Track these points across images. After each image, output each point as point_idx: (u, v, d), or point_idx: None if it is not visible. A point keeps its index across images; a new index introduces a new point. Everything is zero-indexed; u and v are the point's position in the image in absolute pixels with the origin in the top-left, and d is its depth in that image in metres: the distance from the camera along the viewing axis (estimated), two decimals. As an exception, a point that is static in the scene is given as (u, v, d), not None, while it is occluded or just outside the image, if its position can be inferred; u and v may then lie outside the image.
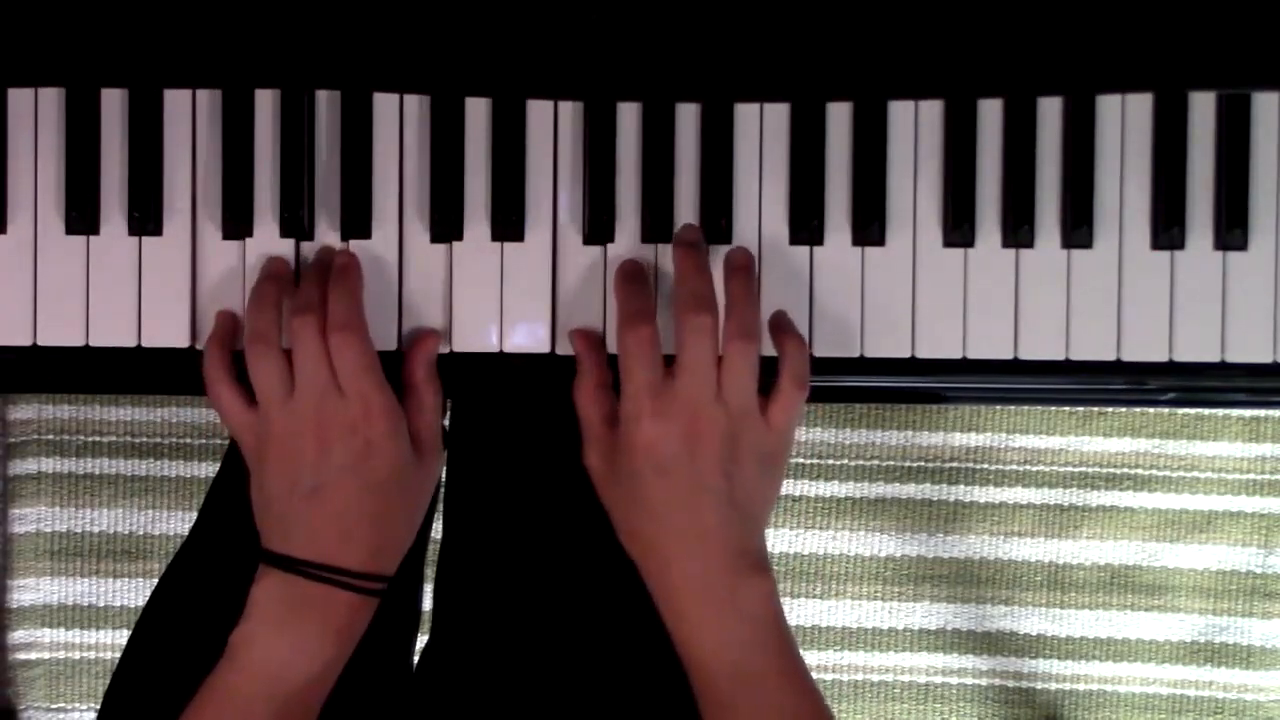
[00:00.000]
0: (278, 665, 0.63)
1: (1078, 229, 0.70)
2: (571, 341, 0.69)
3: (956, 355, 0.71)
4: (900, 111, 0.71)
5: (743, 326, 0.65)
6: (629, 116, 0.70)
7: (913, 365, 0.71)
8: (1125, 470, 1.37)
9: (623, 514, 0.67)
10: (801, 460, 1.36)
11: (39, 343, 0.70)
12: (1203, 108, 0.70)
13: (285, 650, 0.63)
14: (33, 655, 1.37)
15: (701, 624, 0.64)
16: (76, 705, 1.38)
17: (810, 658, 1.13)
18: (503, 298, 0.70)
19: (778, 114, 0.70)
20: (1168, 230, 0.70)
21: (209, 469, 1.35)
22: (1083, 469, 1.37)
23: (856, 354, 0.71)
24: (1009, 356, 0.71)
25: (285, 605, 0.64)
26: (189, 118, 0.70)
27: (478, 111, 0.70)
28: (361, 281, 0.68)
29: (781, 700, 0.63)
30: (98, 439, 1.35)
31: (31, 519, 1.35)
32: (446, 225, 0.70)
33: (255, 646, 0.63)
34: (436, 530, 0.85)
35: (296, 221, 0.69)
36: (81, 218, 0.69)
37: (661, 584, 0.65)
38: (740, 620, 0.64)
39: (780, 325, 0.68)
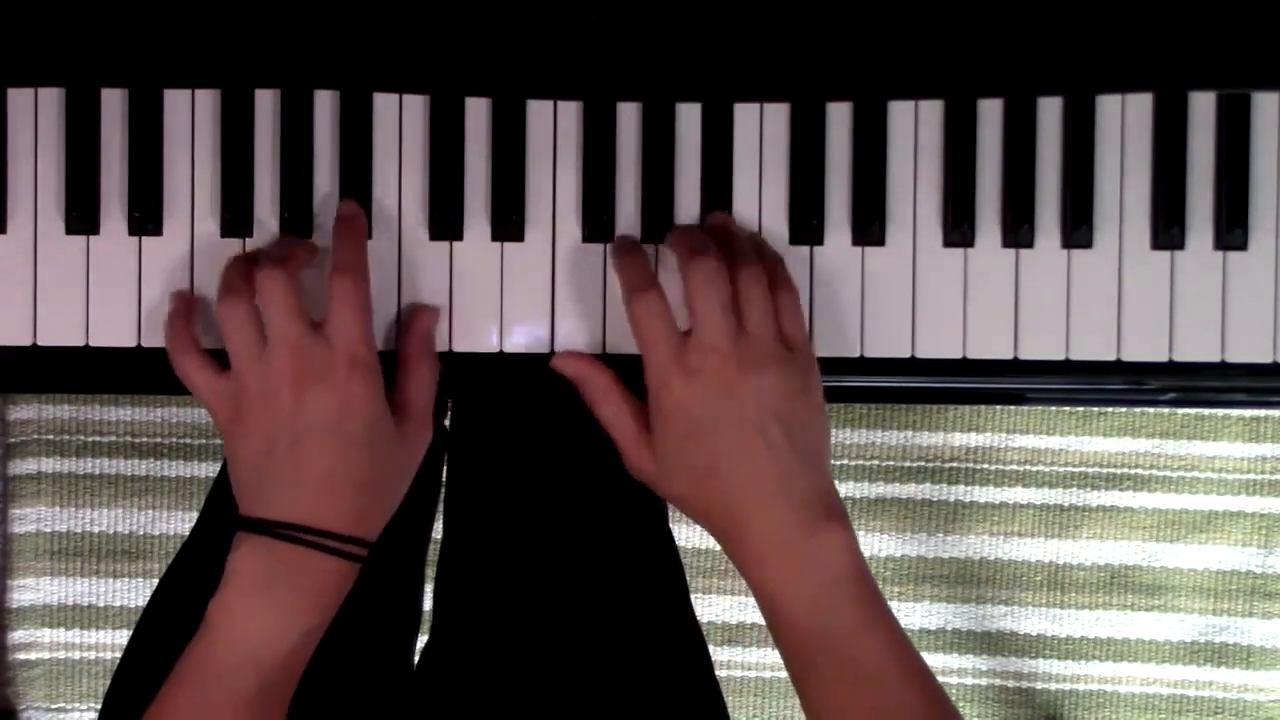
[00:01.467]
0: (257, 634, 0.62)
1: (1078, 229, 0.70)
2: (561, 369, 0.69)
3: (956, 355, 0.71)
4: (900, 111, 0.71)
5: (743, 256, 0.65)
6: (629, 116, 0.70)
7: (913, 365, 0.71)
8: (1125, 470, 1.37)
9: (685, 494, 0.65)
10: (801, 460, 1.36)
11: (39, 343, 0.70)
12: (1203, 108, 0.70)
13: (265, 619, 0.62)
14: (33, 655, 1.37)
15: (781, 580, 0.63)
16: (76, 705, 1.38)
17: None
18: (503, 298, 0.70)
19: (778, 114, 0.70)
20: (1168, 230, 0.70)
21: (209, 469, 1.35)
22: (1083, 469, 1.37)
23: (856, 354, 0.71)
24: (1009, 356, 0.71)
25: (263, 572, 0.62)
26: (189, 118, 0.70)
27: (478, 111, 0.70)
28: (366, 230, 0.68)
29: (869, 655, 0.62)
30: (98, 439, 1.35)
31: (31, 519, 1.35)
32: (446, 225, 0.70)
33: (234, 616, 0.62)
34: (436, 530, 0.85)
35: (297, 221, 0.69)
36: (81, 218, 0.69)
37: (741, 548, 0.64)
38: (820, 573, 0.62)
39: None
